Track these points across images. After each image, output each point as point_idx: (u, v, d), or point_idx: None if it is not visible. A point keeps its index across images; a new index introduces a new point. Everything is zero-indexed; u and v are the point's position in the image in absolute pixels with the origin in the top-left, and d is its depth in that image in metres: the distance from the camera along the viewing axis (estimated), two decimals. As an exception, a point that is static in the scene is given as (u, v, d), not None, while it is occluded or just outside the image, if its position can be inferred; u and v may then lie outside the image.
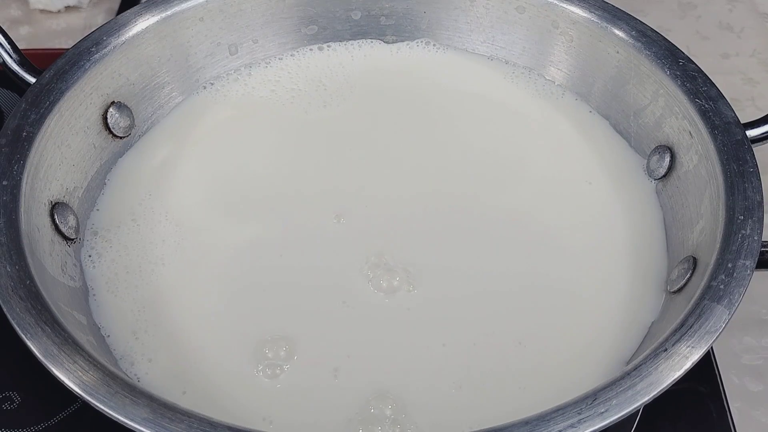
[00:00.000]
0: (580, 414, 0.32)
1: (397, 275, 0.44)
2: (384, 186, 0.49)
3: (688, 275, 0.41)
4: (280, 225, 0.47)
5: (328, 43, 0.56)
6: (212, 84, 0.54)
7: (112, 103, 0.48)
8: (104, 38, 0.48)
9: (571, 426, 0.32)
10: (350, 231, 0.46)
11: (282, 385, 0.40)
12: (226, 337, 0.42)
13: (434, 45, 0.56)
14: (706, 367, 0.50)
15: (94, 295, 0.43)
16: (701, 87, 0.46)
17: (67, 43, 0.70)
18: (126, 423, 0.32)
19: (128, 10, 0.50)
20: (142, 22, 0.49)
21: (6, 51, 0.47)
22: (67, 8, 0.74)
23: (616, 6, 0.51)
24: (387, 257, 0.45)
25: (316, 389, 0.40)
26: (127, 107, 0.50)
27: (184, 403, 0.33)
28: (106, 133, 0.48)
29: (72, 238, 0.44)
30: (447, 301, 0.43)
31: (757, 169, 0.42)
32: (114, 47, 0.48)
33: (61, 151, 0.45)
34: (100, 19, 0.74)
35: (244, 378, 0.40)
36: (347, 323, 0.42)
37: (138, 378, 0.40)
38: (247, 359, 0.41)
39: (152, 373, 0.41)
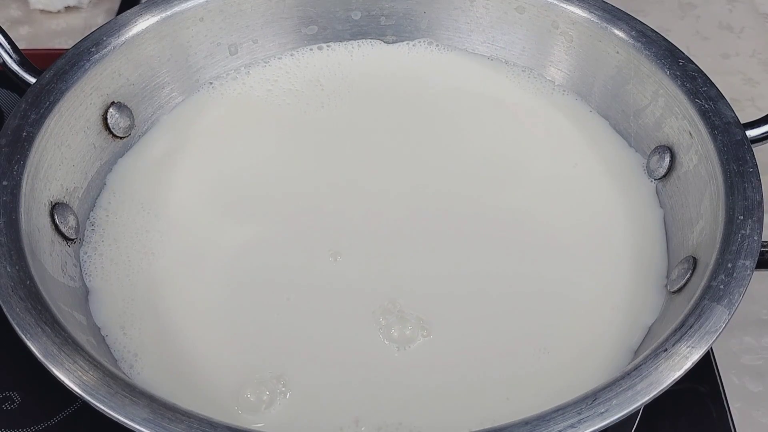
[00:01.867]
0: (580, 414, 0.32)
1: (398, 279, 0.44)
2: (382, 187, 0.48)
3: (688, 275, 0.41)
4: (277, 228, 0.46)
5: (328, 43, 0.56)
6: (212, 84, 0.54)
7: (112, 103, 0.48)
8: (104, 38, 0.48)
9: (571, 426, 0.32)
10: (348, 229, 0.46)
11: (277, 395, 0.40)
12: (219, 343, 0.42)
13: (434, 45, 0.56)
14: (706, 367, 0.50)
15: (93, 294, 0.43)
16: (701, 87, 0.46)
17: (67, 43, 0.70)
18: (126, 423, 0.32)
19: (128, 10, 0.50)
20: (142, 22, 0.49)
21: (6, 51, 0.47)
22: (67, 8, 0.74)
23: (616, 6, 0.51)
24: (386, 261, 0.45)
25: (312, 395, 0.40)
26: (127, 107, 0.50)
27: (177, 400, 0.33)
28: (106, 133, 0.48)
29: (72, 238, 0.44)
30: (450, 308, 0.43)
31: (757, 169, 0.42)
32: (114, 47, 0.48)
33: (61, 151, 0.45)
34: (100, 19, 0.74)
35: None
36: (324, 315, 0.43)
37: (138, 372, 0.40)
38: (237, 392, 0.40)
39: (145, 372, 0.41)
